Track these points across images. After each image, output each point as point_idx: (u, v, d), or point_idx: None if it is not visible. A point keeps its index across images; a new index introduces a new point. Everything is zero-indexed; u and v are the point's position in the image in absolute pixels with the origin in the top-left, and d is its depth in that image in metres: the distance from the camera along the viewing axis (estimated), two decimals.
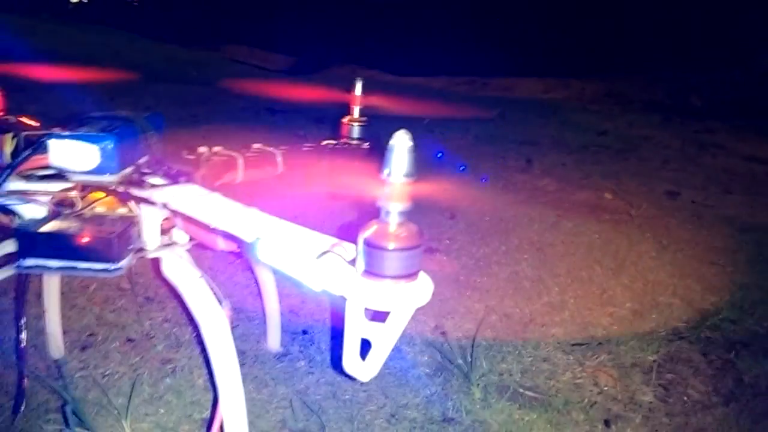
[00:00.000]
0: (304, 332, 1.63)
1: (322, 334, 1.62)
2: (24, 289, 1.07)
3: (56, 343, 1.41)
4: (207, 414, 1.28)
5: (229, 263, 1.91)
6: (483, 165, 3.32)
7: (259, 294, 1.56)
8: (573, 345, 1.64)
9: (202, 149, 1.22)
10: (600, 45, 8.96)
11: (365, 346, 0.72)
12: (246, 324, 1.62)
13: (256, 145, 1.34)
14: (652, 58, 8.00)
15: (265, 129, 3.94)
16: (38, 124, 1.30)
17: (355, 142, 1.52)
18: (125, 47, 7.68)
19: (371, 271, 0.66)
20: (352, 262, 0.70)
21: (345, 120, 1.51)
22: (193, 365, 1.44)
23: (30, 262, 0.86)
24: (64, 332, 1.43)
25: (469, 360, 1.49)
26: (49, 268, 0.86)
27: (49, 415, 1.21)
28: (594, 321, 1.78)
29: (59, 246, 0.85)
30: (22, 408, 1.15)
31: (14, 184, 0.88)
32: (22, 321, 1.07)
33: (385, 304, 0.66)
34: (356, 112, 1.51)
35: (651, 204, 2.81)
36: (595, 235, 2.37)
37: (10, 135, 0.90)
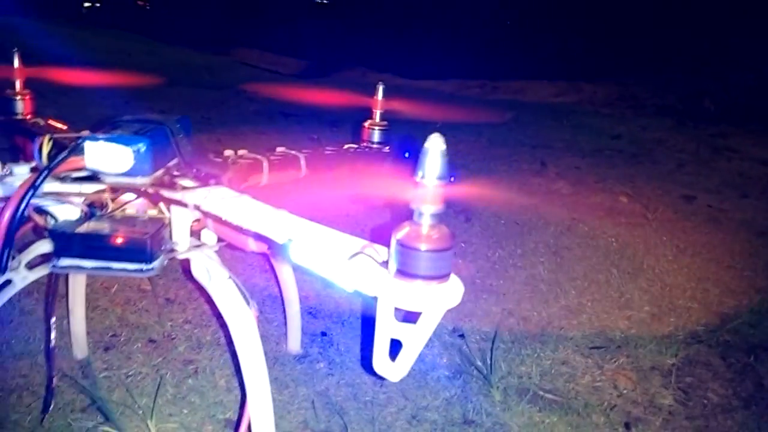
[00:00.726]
0: (323, 334, 1.64)
1: (341, 336, 1.63)
2: (54, 290, 1.09)
3: (80, 344, 1.43)
4: (229, 414, 1.29)
5: (248, 265, 1.93)
6: (497, 168, 3.32)
7: (278, 296, 1.58)
8: (591, 348, 1.64)
9: (228, 152, 1.24)
10: (611, 48, 8.94)
11: (394, 346, 0.73)
12: (265, 326, 1.63)
13: (279, 149, 1.35)
14: (664, 62, 7.97)
15: (278, 132, 3.96)
16: (66, 127, 1.34)
17: (376, 145, 1.54)
18: (138, 51, 7.75)
19: (404, 272, 0.67)
20: (383, 263, 0.71)
21: (366, 124, 1.53)
22: (214, 366, 1.45)
23: (65, 262, 0.88)
24: (87, 333, 1.46)
25: (489, 362, 1.49)
26: (83, 268, 0.88)
27: (76, 414, 1.23)
28: (612, 324, 1.78)
29: (94, 246, 0.87)
30: (51, 407, 1.17)
31: (50, 186, 0.90)
32: (52, 321, 1.09)
33: (417, 305, 0.67)
34: (377, 116, 1.53)
35: (667, 207, 2.81)
36: (612, 238, 2.37)
37: (47, 137, 0.92)
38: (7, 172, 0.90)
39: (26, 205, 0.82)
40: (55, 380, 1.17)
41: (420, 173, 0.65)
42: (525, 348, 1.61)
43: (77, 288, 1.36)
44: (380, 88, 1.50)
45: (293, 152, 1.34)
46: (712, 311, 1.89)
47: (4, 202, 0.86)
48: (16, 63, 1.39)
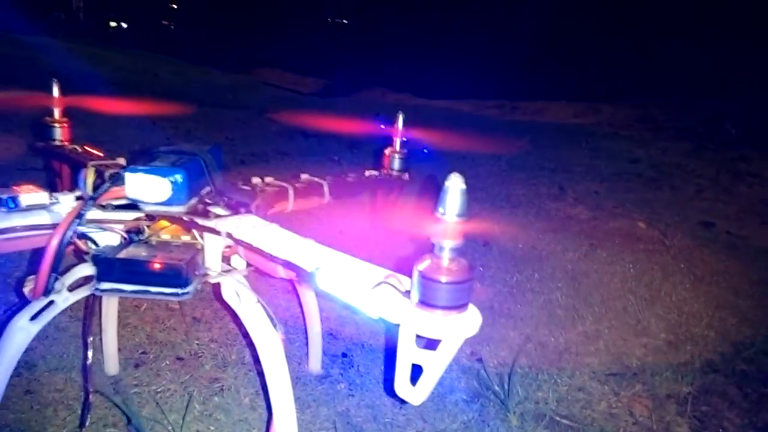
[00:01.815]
0: (344, 355, 1.68)
1: (361, 358, 1.67)
2: (91, 311, 1.15)
3: (112, 361, 1.49)
4: (255, 431, 1.33)
5: (271, 287, 1.99)
6: (515, 192, 3.36)
7: (300, 317, 1.63)
8: (608, 375, 1.66)
9: (256, 180, 1.31)
10: (631, 69, 8.94)
11: (415, 371, 0.77)
12: (288, 346, 1.66)
13: (304, 176, 1.42)
14: (684, 84, 7.96)
15: (300, 154, 4.04)
16: (101, 154, 1.41)
17: (396, 173, 1.59)
18: (164, 70, 7.94)
19: (425, 302, 0.71)
20: (405, 293, 0.76)
21: (387, 152, 1.59)
22: (239, 385, 1.50)
23: (106, 285, 0.94)
24: (119, 350, 1.51)
25: (506, 387, 1.52)
26: (123, 292, 0.94)
27: (109, 428, 1.28)
28: (629, 351, 1.80)
29: (133, 271, 0.93)
30: (87, 422, 1.23)
31: (92, 214, 0.97)
32: (89, 339, 1.15)
33: (437, 333, 0.72)
34: (397, 144, 1.58)
35: (685, 234, 2.82)
36: (629, 264, 2.39)
37: (93, 168, 0.98)
38: (55, 201, 0.96)
39: (72, 233, 0.89)
40: (91, 396, 1.22)
41: (441, 210, 0.70)
42: (542, 373, 1.63)
43: (110, 307, 1.42)
44: (400, 117, 1.56)
45: (317, 179, 1.41)
46: (728, 340, 1.90)
47: (51, 228, 0.93)
48: (56, 92, 1.47)
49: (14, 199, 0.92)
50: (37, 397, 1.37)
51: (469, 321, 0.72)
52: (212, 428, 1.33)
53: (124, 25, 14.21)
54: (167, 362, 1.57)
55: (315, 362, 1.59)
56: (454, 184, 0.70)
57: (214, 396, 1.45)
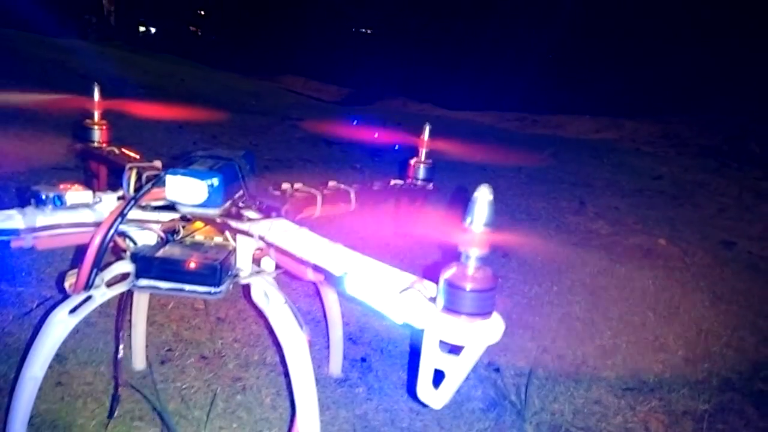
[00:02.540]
0: (363, 360, 1.72)
1: (380, 363, 1.70)
2: (125, 306, 1.19)
3: (139, 356, 1.54)
4: (275, 430, 1.37)
5: (292, 290, 2.03)
6: (536, 205, 3.37)
7: (321, 321, 1.66)
8: (624, 389, 1.67)
9: (286, 185, 1.35)
10: (654, 85, 8.88)
11: (437, 376, 0.80)
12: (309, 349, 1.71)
13: (331, 183, 1.45)
14: (709, 101, 7.89)
15: (323, 161, 4.09)
16: (138, 156, 1.46)
17: (420, 182, 1.63)
18: (191, 76, 8.07)
19: (450, 308, 0.74)
20: (431, 299, 0.79)
21: (412, 161, 1.62)
22: (261, 385, 1.54)
23: (144, 282, 0.99)
24: (145, 346, 1.56)
25: (523, 397, 1.54)
26: (159, 289, 0.98)
27: (136, 422, 1.32)
28: (646, 367, 1.81)
29: (170, 270, 0.98)
30: (116, 413, 1.27)
31: (133, 213, 1.01)
32: (121, 334, 1.20)
33: (461, 339, 0.75)
34: (423, 154, 1.62)
35: (706, 253, 2.81)
36: (649, 281, 2.39)
37: (134, 170, 1.03)
38: (98, 200, 1.01)
39: (115, 231, 0.93)
40: (120, 389, 1.27)
41: (468, 219, 0.73)
42: (559, 385, 1.65)
43: (141, 304, 1.47)
44: (426, 128, 1.59)
45: (344, 187, 1.44)
46: (747, 359, 1.90)
47: (94, 226, 0.98)
48: (96, 96, 1.52)
49: (60, 198, 0.96)
50: (67, 389, 1.42)
51: (493, 328, 0.75)
52: (235, 426, 1.37)
53: (153, 30, 14.45)
54: (192, 360, 1.61)
55: (335, 366, 1.63)
56: (482, 195, 0.73)
57: (237, 395, 1.49)
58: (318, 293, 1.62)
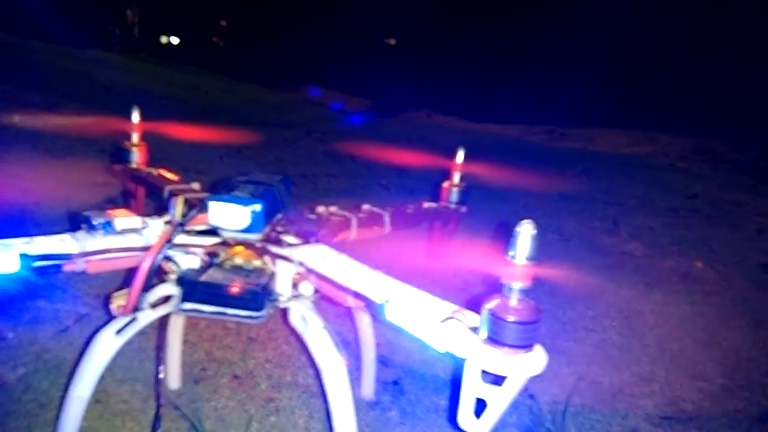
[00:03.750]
0: (395, 383, 1.71)
1: (412, 386, 1.70)
2: (166, 327, 1.22)
3: (175, 375, 1.56)
4: None
5: (322, 309, 2.03)
6: (568, 225, 3.34)
7: (352, 343, 1.67)
8: (662, 418, 1.64)
9: (321, 209, 1.37)
10: (688, 99, 8.72)
11: (477, 405, 0.80)
12: None
13: (365, 206, 1.47)
14: (744, 116, 7.72)
15: (347, 176, 4.10)
16: (176, 178, 1.50)
17: (453, 205, 1.63)
18: (214, 87, 8.15)
19: (493, 339, 0.75)
20: (472, 329, 0.79)
21: (445, 185, 1.63)
22: (294, 406, 1.55)
23: (188, 305, 1.01)
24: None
25: (560, 425, 1.52)
26: (203, 312, 1.01)
27: None
28: (683, 395, 1.77)
29: (213, 294, 1.00)
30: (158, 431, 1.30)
31: (178, 238, 1.04)
32: (163, 355, 1.22)
33: (504, 370, 0.75)
34: (456, 177, 1.62)
35: (744, 276, 2.74)
36: (686, 305, 2.34)
37: (182, 198, 1.06)
38: (145, 225, 1.04)
39: (163, 255, 0.96)
40: (162, 408, 1.29)
41: (511, 253, 0.74)
42: (594, 413, 1.62)
43: (177, 325, 1.50)
44: (460, 152, 1.61)
45: (377, 210, 1.46)
46: None
47: (142, 250, 1.01)
48: (136, 118, 1.57)
49: (110, 223, 0.99)
50: (106, 406, 1.44)
51: (535, 360, 0.75)
52: None
53: (175, 41, 14.60)
54: (225, 380, 1.63)
55: (367, 388, 1.63)
56: (525, 230, 0.74)
57: (271, 416, 1.50)
58: (350, 315, 1.63)
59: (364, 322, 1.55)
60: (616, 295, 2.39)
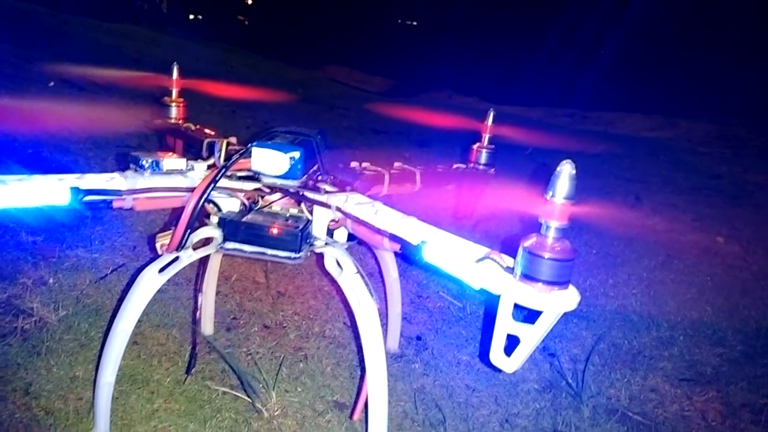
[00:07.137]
0: (418, 338, 1.76)
1: (435, 342, 1.74)
2: (205, 270, 1.27)
3: (208, 322, 1.62)
4: (337, 397, 1.43)
5: None
6: (590, 199, 3.33)
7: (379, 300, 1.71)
8: (681, 380, 1.67)
9: (354, 164, 1.40)
10: (711, 85, 8.58)
11: (509, 343, 0.83)
12: None
13: (397, 164, 1.50)
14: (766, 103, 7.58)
15: (370, 149, 4.12)
16: (213, 132, 1.53)
17: (482, 166, 1.65)
18: (239, 63, 8.17)
19: (528, 275, 0.78)
20: (507, 268, 0.82)
21: (475, 146, 1.65)
22: (321, 355, 1.60)
23: (230, 245, 1.05)
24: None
25: (579, 380, 1.55)
26: (244, 252, 1.05)
27: (207, 380, 1.40)
28: (703, 359, 1.79)
29: (255, 234, 1.04)
30: (193, 369, 1.35)
31: (221, 181, 1.08)
32: (200, 296, 1.27)
33: (539, 304, 0.78)
34: (486, 140, 1.64)
35: (766, 252, 2.74)
36: (707, 277, 2.36)
37: (225, 141, 1.10)
38: (190, 168, 1.08)
39: (208, 196, 1.00)
40: (197, 348, 1.35)
41: (550, 192, 0.77)
42: (614, 372, 1.66)
43: (212, 272, 1.55)
44: (491, 114, 1.62)
45: (409, 168, 1.49)
46: None
47: (187, 191, 1.05)
48: (175, 74, 1.60)
49: (158, 163, 1.04)
50: (143, 348, 1.50)
51: (569, 297, 0.78)
52: (299, 389, 1.43)
53: (201, 17, 14.63)
54: (255, 329, 1.69)
55: (393, 341, 1.67)
56: (565, 169, 0.76)
57: (299, 362, 1.55)
58: (379, 270, 1.67)
59: (392, 276, 1.59)
60: (638, 265, 2.41)
